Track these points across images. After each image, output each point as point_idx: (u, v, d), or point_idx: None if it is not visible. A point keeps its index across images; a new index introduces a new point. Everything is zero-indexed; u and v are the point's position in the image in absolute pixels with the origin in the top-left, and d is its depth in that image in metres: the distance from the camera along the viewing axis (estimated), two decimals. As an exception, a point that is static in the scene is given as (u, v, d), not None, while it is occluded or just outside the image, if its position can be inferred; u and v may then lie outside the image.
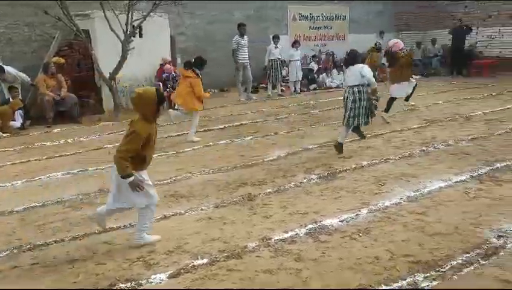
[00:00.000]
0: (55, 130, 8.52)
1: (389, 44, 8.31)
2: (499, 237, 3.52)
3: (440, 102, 9.92)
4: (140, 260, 3.38)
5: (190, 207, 4.41)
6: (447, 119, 8.04)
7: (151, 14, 9.55)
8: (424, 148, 6.20)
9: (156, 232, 3.71)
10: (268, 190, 4.79)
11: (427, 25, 16.92)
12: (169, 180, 5.25)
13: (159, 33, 10.55)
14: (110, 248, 3.61)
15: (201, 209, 4.34)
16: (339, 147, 6.08)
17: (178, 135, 7.66)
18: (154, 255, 3.45)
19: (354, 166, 5.53)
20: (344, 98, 6.13)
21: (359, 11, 15.91)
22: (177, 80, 10.57)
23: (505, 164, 5.32)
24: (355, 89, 5.92)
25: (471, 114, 8.40)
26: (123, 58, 9.28)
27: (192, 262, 3.29)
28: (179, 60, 12.11)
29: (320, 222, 3.93)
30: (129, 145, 3.32)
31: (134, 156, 3.36)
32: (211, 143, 7.00)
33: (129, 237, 3.72)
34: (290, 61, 12.40)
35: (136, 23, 9.38)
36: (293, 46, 12.49)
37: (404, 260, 3.22)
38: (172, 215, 4.23)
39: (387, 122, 7.80)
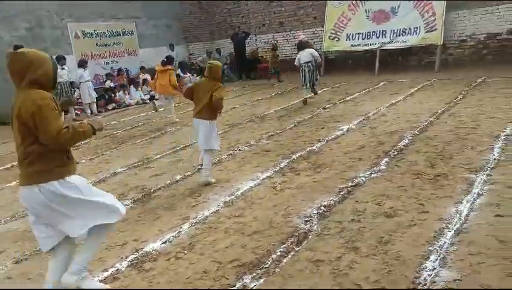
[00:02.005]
0: None
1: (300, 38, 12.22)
2: (306, 221, 3.89)
3: (237, 106, 10.63)
4: None
5: (-20, 271, 3.63)
6: (245, 121, 8.64)
7: None
8: (231, 152, 6.50)
9: None
10: (79, 228, 4.29)
11: (212, 35, 18.03)
12: None
13: None
14: None
15: (-3, 270, 3.63)
16: (305, 100, 9.52)
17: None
18: None
19: (168, 182, 5.42)
20: (302, 71, 9.34)
21: (146, 26, 15.86)
22: None
23: (299, 154, 5.98)
24: (310, 64, 9.26)
25: (265, 113, 9.22)
26: None
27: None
28: None
29: (142, 249, 3.70)
30: (223, 93, 4.94)
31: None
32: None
33: None
34: (80, 82, 11.56)
35: None
36: (79, 66, 11.65)
37: (230, 266, 3.27)
38: (-44, 288, 3.41)
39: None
